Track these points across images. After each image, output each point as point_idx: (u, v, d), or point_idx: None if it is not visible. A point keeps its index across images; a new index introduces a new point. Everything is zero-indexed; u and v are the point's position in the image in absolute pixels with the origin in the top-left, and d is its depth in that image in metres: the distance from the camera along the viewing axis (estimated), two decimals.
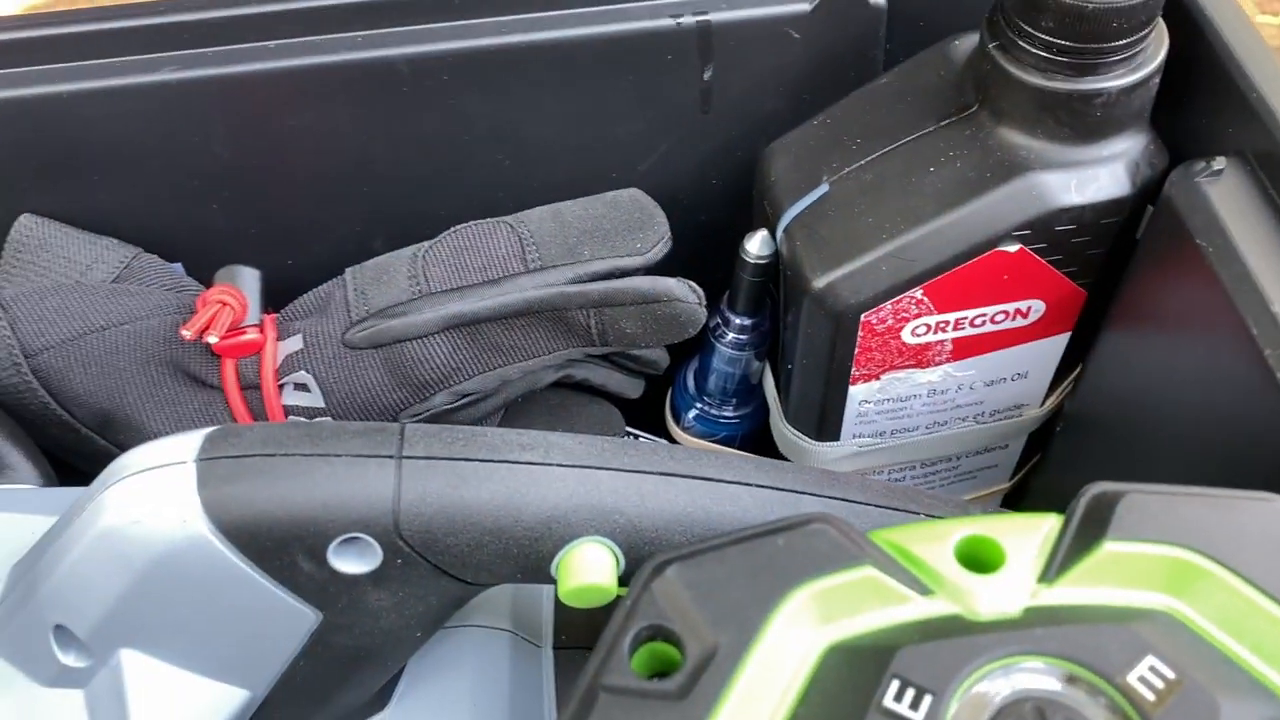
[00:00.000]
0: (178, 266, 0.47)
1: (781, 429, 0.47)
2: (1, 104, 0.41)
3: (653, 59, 0.43)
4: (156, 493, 0.30)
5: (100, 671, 0.33)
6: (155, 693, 0.33)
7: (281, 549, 0.30)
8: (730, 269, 0.46)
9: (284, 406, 0.43)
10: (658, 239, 0.43)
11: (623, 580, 0.31)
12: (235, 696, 0.34)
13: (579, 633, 0.42)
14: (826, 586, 0.23)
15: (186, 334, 0.41)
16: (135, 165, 0.44)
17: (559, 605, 0.42)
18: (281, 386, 0.43)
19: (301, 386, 0.43)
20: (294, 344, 0.43)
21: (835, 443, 0.46)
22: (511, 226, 0.43)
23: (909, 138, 0.40)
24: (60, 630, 0.33)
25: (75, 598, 0.32)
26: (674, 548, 0.30)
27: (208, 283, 0.46)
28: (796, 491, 0.32)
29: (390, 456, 0.30)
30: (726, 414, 0.51)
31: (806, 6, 0.42)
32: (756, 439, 0.52)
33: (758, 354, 0.48)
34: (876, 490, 0.33)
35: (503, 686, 0.38)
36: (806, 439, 0.46)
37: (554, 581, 0.32)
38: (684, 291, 0.42)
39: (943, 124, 0.40)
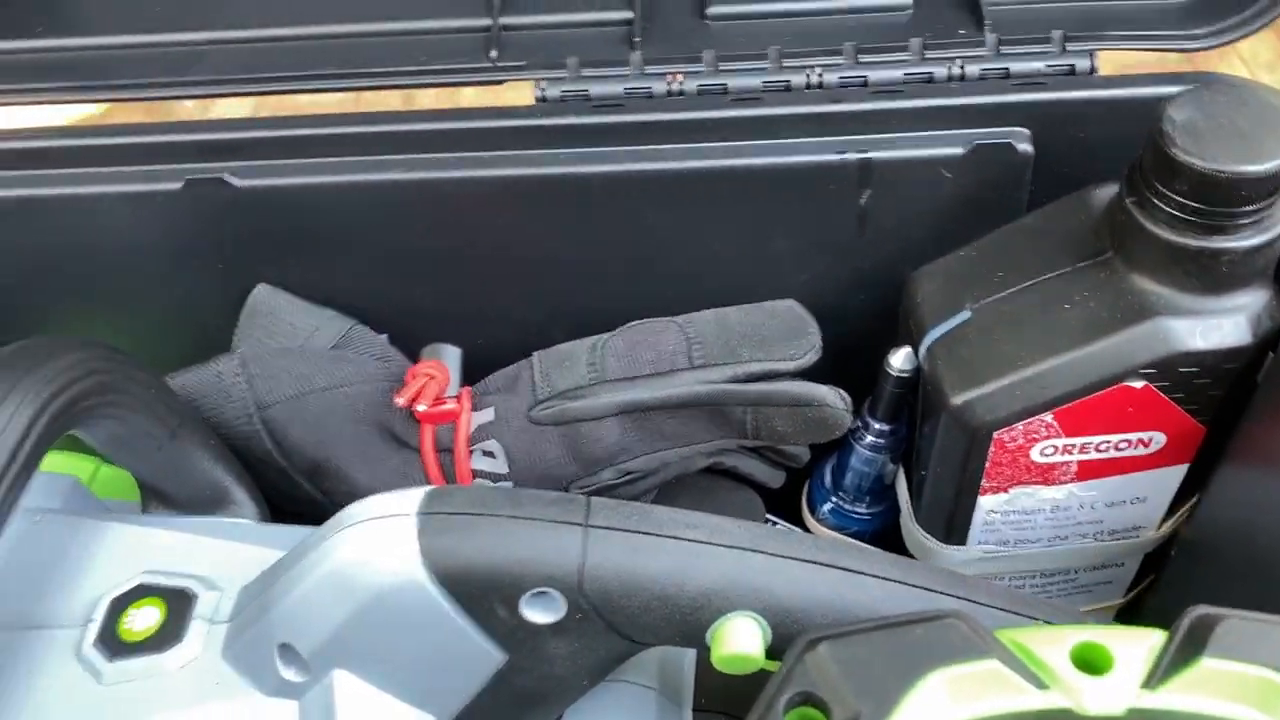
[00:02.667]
0: (384, 337, 0.53)
1: (911, 529, 0.51)
2: (251, 191, 0.49)
3: (817, 187, 0.48)
4: (382, 539, 0.36)
5: (315, 687, 0.39)
6: (360, 710, 0.38)
7: (483, 596, 0.35)
8: (870, 377, 0.50)
9: (472, 470, 0.49)
10: (810, 347, 0.48)
11: (769, 653, 0.36)
12: None
13: (715, 699, 0.46)
14: (957, 673, 0.27)
15: (400, 401, 0.47)
16: (357, 249, 0.51)
17: (699, 670, 0.46)
18: (471, 452, 0.49)
19: (489, 454, 0.49)
20: (486, 415, 0.49)
21: (962, 547, 0.50)
22: (680, 326, 0.49)
23: (1048, 275, 0.44)
24: (285, 648, 0.39)
25: (302, 622, 0.38)
26: (816, 627, 0.34)
27: (411, 353, 0.53)
28: (926, 589, 0.36)
29: (579, 524, 0.35)
30: (859, 510, 0.55)
31: (960, 150, 0.47)
32: (886, 536, 0.56)
33: (893, 457, 0.52)
34: (999, 594, 0.36)
35: None
36: (935, 541, 0.50)
37: (707, 647, 0.36)
38: (834, 398, 0.46)
39: (1079, 265, 0.44)
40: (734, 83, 0.48)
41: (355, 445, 0.49)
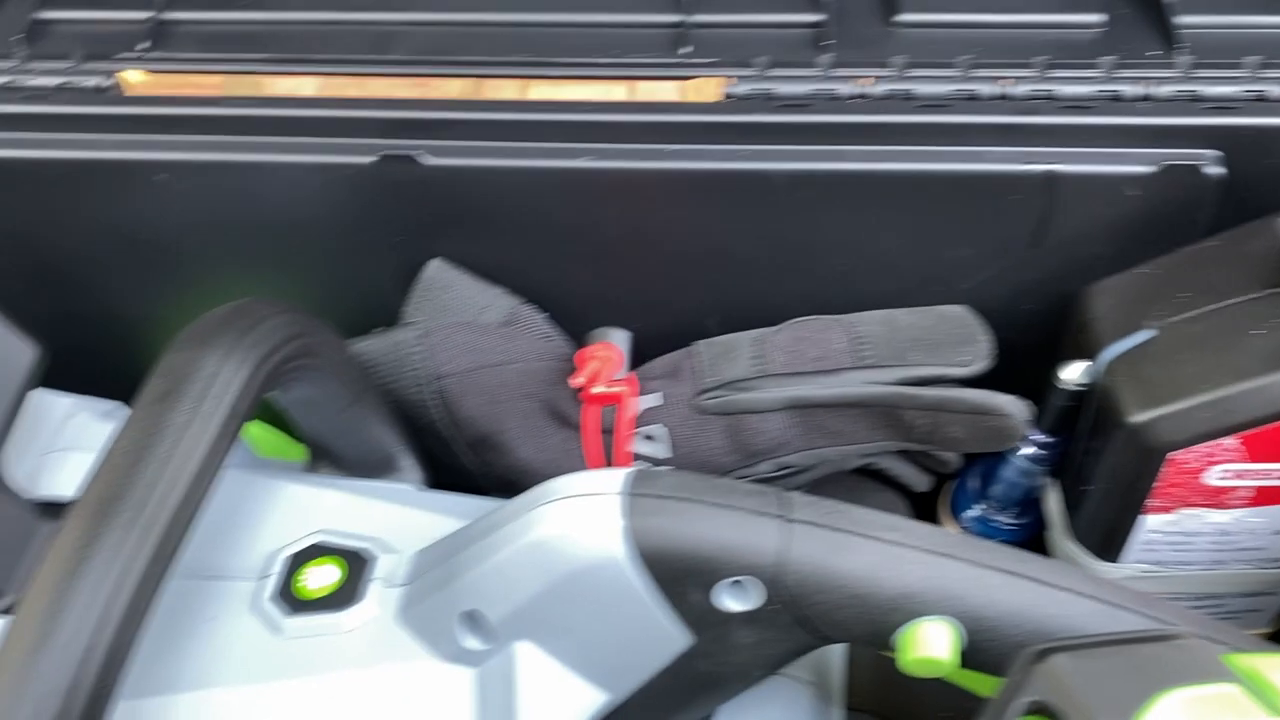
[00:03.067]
0: (545, 317, 0.54)
1: (1062, 543, 0.51)
2: (439, 170, 0.50)
3: (998, 197, 0.48)
4: (587, 516, 0.36)
5: (495, 657, 0.40)
6: (540, 683, 0.39)
7: (680, 579, 0.36)
8: (1026, 389, 0.50)
9: (633, 454, 0.50)
10: (981, 355, 0.48)
11: (960, 660, 0.36)
12: (599, 698, 0.40)
13: (866, 698, 0.46)
14: (1194, 695, 0.27)
15: (575, 382, 0.48)
16: (531, 230, 0.52)
17: (850, 668, 0.47)
18: (633, 435, 0.49)
19: (650, 438, 0.49)
20: (650, 400, 0.50)
21: (1115, 564, 0.50)
22: (846, 325, 0.49)
23: (1237, 299, 0.44)
24: (469, 616, 0.40)
25: (494, 591, 0.39)
26: (1007, 638, 0.35)
27: (569, 334, 0.54)
28: (1118, 606, 0.37)
29: (780, 517, 0.36)
30: (1005, 520, 0.55)
31: (1148, 169, 0.47)
32: (1027, 547, 0.56)
33: (1049, 470, 0.52)
34: (1192, 619, 0.36)
35: None
36: (1088, 555, 0.50)
37: (891, 649, 0.37)
38: (1016, 409, 0.46)
39: (1269, 291, 0.44)
40: (920, 89, 0.48)
41: (521, 420, 0.50)
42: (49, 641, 0.33)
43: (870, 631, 0.36)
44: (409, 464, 0.51)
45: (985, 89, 0.48)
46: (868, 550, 0.36)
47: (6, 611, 0.44)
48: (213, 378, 0.38)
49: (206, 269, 0.55)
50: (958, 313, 0.50)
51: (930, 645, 0.35)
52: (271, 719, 0.41)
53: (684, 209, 0.50)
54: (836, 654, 0.47)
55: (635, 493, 0.36)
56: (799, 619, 0.36)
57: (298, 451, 0.64)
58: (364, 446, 0.50)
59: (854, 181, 0.48)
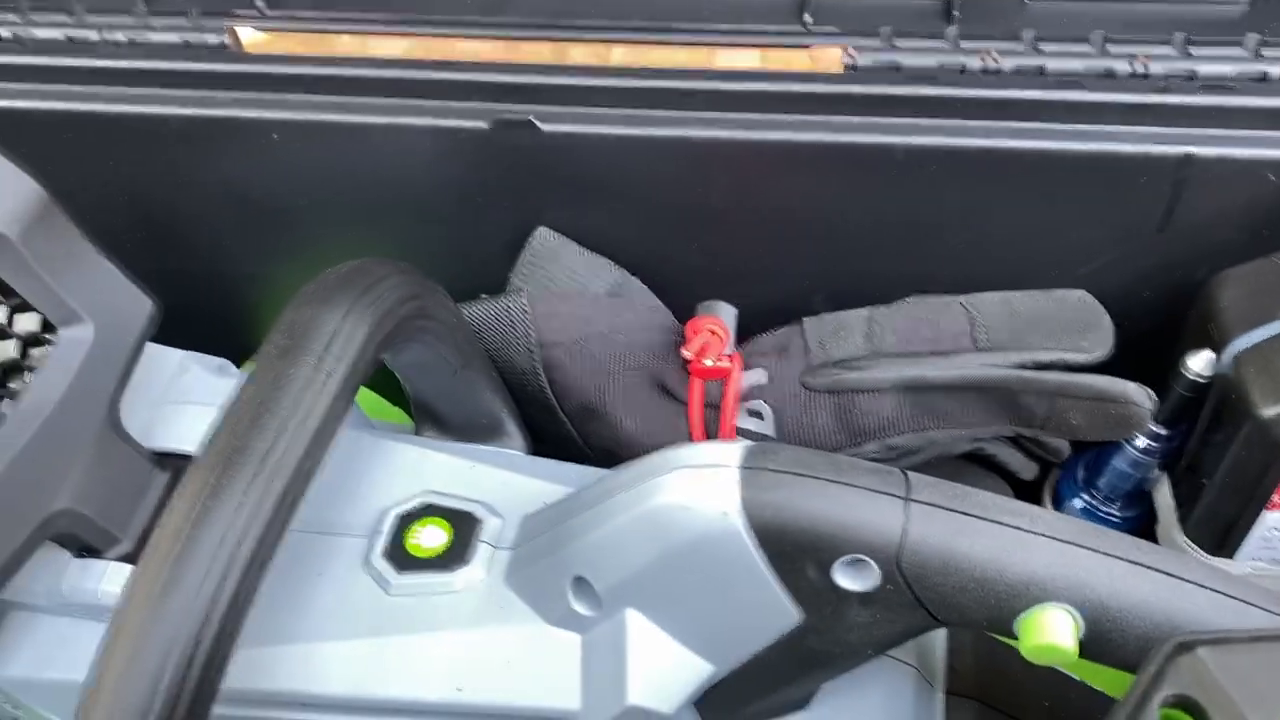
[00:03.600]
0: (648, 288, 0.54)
1: (1174, 536, 0.50)
2: (554, 136, 0.49)
3: (1128, 178, 0.47)
4: (704, 487, 0.36)
5: (603, 623, 0.40)
6: (648, 651, 0.39)
7: (797, 555, 0.36)
8: (1143, 377, 0.49)
9: (736, 428, 0.49)
10: (1103, 341, 0.47)
11: (1080, 649, 0.35)
12: (703, 670, 0.40)
13: (966, 683, 0.46)
14: None
15: (686, 354, 0.48)
16: (641, 200, 0.52)
17: (950, 653, 0.46)
18: (738, 410, 0.49)
19: (755, 414, 0.49)
20: (758, 376, 0.49)
21: (1229, 560, 0.48)
22: (964, 306, 0.48)
23: None
24: (579, 581, 0.40)
25: (605, 558, 0.39)
26: (1131, 629, 0.34)
27: (675, 306, 0.54)
28: (1247, 602, 0.35)
29: (901, 497, 0.35)
30: (1111, 512, 0.54)
31: None
32: None
33: (1162, 463, 0.51)
34: None
35: (906, 717, 0.43)
36: (1200, 551, 0.49)
37: (1011, 635, 0.36)
38: (1141, 397, 0.45)
39: None
40: (1052, 65, 0.46)
41: (627, 391, 0.50)
42: (178, 587, 0.34)
43: (990, 616, 0.36)
44: (514, 430, 0.51)
45: (1121, 66, 0.46)
46: (992, 534, 0.35)
47: (124, 558, 0.45)
48: (334, 335, 0.39)
49: (314, 230, 0.56)
50: (1078, 297, 0.49)
51: (1053, 633, 0.34)
52: (382, 673, 0.42)
53: (799, 181, 0.49)
54: (938, 638, 0.46)
55: (753, 466, 0.36)
56: (917, 601, 0.36)
57: (396, 415, 0.65)
58: (471, 411, 0.50)
59: (978, 158, 0.47)
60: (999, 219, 0.49)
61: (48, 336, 0.44)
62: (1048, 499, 0.56)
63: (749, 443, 0.37)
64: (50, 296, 0.43)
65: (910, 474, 0.36)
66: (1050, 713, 0.45)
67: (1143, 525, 0.54)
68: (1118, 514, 0.54)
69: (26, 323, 0.44)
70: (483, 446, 0.51)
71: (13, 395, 0.43)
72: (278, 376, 0.37)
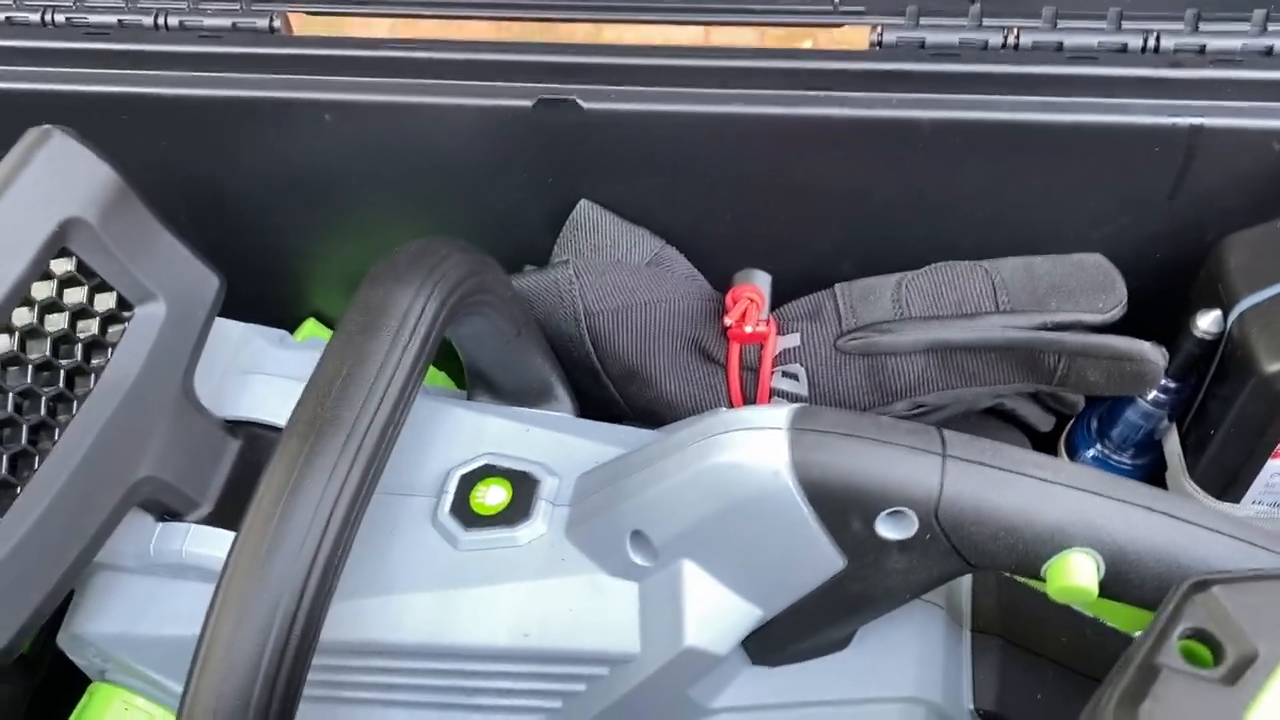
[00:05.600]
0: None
1: (1182, 483, 0.53)
2: (596, 114, 0.52)
3: (1140, 149, 0.49)
4: (756, 448, 0.39)
5: (659, 573, 0.43)
6: (701, 598, 0.42)
7: (842, 508, 0.39)
8: (1153, 335, 0.52)
9: (772, 389, 0.52)
10: (1117, 302, 0.50)
11: (1101, 589, 0.39)
12: (752, 614, 0.43)
13: (990, 622, 0.49)
14: None
15: (727, 321, 0.51)
16: (677, 174, 0.54)
17: (975, 594, 0.49)
18: (774, 373, 0.52)
19: (790, 375, 0.52)
20: (791, 340, 0.52)
21: (1234, 505, 0.52)
22: (986, 271, 0.51)
23: None
24: (637, 535, 0.43)
25: (662, 513, 0.42)
26: (1147, 570, 0.37)
27: (709, 274, 0.57)
28: (1254, 544, 0.39)
29: (938, 454, 0.38)
30: (1123, 460, 0.57)
31: None
32: None
33: (1171, 414, 0.54)
34: None
35: (937, 656, 0.46)
36: (1207, 496, 0.52)
37: (1038, 577, 0.39)
38: (1155, 355, 0.48)
39: None
40: (1070, 40, 0.49)
41: (668, 356, 0.53)
42: (280, 551, 0.37)
43: (1019, 561, 0.39)
44: (563, 394, 0.54)
45: (1134, 41, 0.49)
46: (1021, 486, 0.38)
47: (204, 521, 0.48)
48: (408, 311, 0.42)
49: (363, 207, 0.59)
50: (1095, 260, 0.52)
51: (1077, 575, 0.38)
52: (454, 622, 0.45)
53: (829, 155, 0.51)
54: (964, 581, 0.49)
55: (800, 428, 0.39)
56: (952, 548, 0.39)
57: (440, 379, 0.68)
58: (523, 377, 0.53)
59: (1000, 131, 0.49)
60: (1019, 188, 0.52)
61: (124, 314, 0.47)
62: (1062, 449, 0.60)
63: (797, 405, 0.40)
64: (126, 276, 0.46)
65: (945, 432, 0.39)
66: (1068, 647, 0.49)
67: (1153, 472, 0.57)
68: (1129, 462, 0.57)
69: (104, 302, 0.47)
70: (534, 410, 0.54)
71: (95, 371, 0.46)
72: (360, 351, 0.40)
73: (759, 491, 0.39)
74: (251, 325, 0.56)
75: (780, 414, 0.40)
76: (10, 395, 0.43)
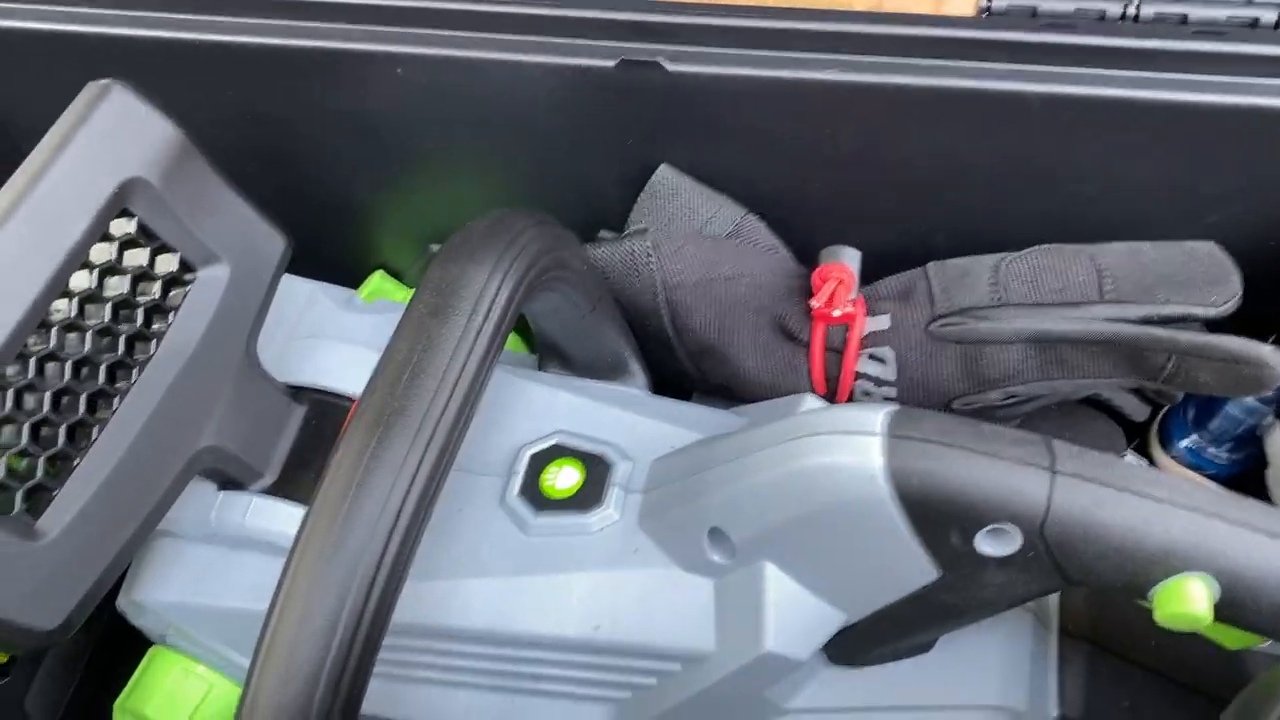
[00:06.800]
0: (767, 227, 0.54)
1: None
2: (680, 76, 0.49)
3: (1268, 131, 0.46)
4: (850, 453, 0.37)
5: (737, 572, 0.41)
6: (782, 601, 0.41)
7: (941, 522, 0.37)
8: (1267, 325, 0.48)
9: (857, 373, 0.50)
10: (1231, 295, 0.46)
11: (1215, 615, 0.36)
12: (836, 619, 0.41)
13: (1079, 626, 0.47)
14: None
15: (815, 304, 0.48)
16: (763, 141, 0.51)
17: (1063, 597, 0.47)
18: (859, 355, 0.50)
19: (877, 359, 0.49)
20: (881, 322, 0.49)
21: None
22: (1091, 257, 0.48)
23: None
24: (716, 532, 0.41)
25: (746, 512, 0.40)
26: (1264, 596, 0.35)
27: (792, 244, 0.54)
28: None
29: (1046, 468, 0.36)
30: (1220, 455, 0.54)
31: None
32: (1235, 483, 0.55)
33: (1277, 411, 0.51)
34: None
35: (1023, 662, 0.44)
36: None
37: (1146, 601, 0.37)
38: (1275, 360, 0.45)
39: None
40: (1195, 13, 0.45)
41: (749, 334, 0.51)
42: (346, 546, 0.35)
43: (1127, 583, 0.36)
44: (637, 369, 0.52)
45: (1267, 15, 0.45)
46: (1133, 505, 0.35)
47: (268, 492, 0.47)
48: (482, 292, 0.40)
49: (436, 163, 0.56)
50: (1207, 249, 0.48)
51: (1190, 602, 0.35)
52: (522, 609, 0.44)
53: (928, 127, 0.48)
54: None
55: (899, 434, 0.37)
56: (1055, 566, 0.37)
57: (512, 341, 0.66)
58: (597, 351, 0.51)
59: (1114, 107, 0.46)
60: (1131, 169, 0.48)
61: (187, 277, 0.45)
62: (1155, 438, 0.57)
63: (894, 407, 0.38)
64: (189, 238, 0.45)
65: (1054, 443, 0.37)
66: (1158, 655, 0.46)
67: (1249, 469, 0.54)
68: (1225, 456, 0.54)
69: (166, 264, 0.45)
70: (607, 385, 0.52)
71: (156, 337, 0.44)
72: (431, 335, 0.38)
73: (851, 498, 0.37)
74: (318, 284, 0.55)
75: (877, 417, 0.37)
76: (69, 363, 0.42)
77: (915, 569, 0.38)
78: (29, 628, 0.38)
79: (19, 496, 0.39)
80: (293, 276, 0.54)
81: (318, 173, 0.59)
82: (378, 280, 0.66)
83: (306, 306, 0.52)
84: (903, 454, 0.36)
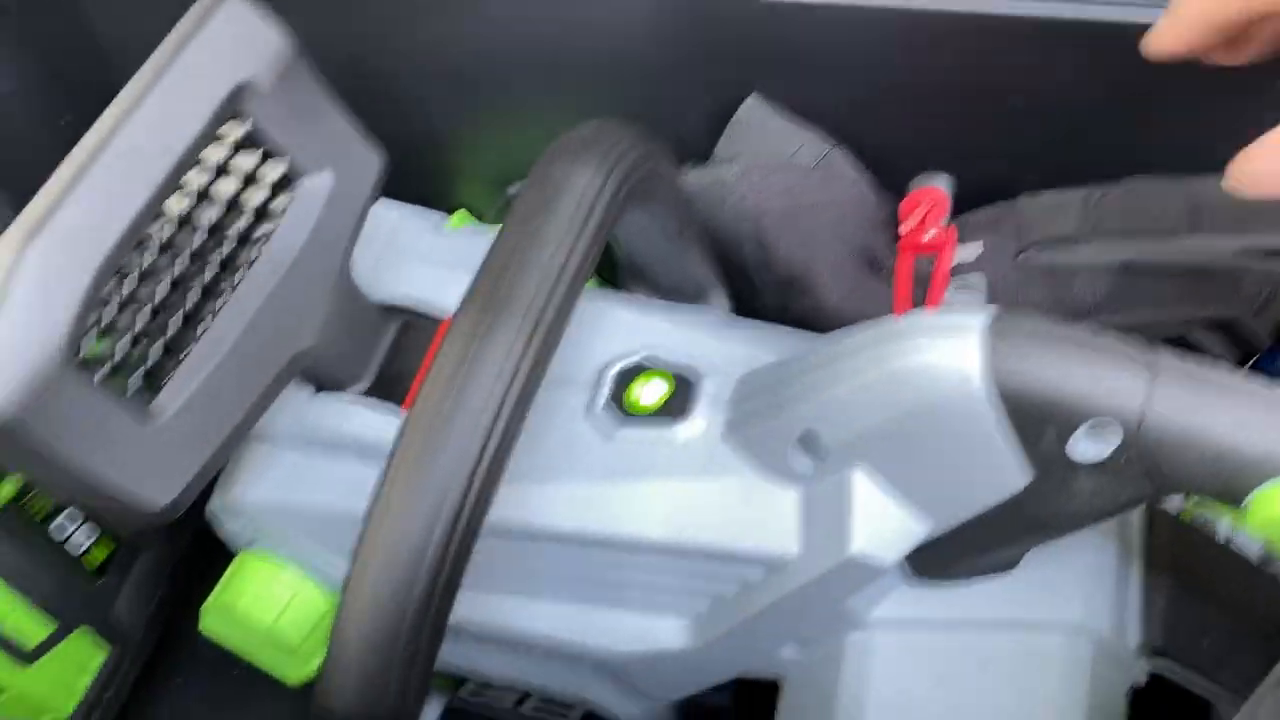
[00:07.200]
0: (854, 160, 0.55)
1: None
2: (774, 6, 0.50)
3: None
4: (949, 351, 0.37)
5: (826, 478, 0.42)
6: (870, 506, 0.41)
7: (1037, 420, 0.37)
8: None
9: (945, 303, 0.50)
10: None
11: None
12: (922, 528, 0.41)
13: (1163, 560, 0.47)
14: None
15: (904, 229, 0.49)
16: (854, 74, 0.52)
17: (1147, 529, 0.47)
18: (948, 286, 0.50)
19: (964, 288, 0.50)
20: (969, 252, 0.50)
21: None
22: (1185, 188, 0.48)
23: None
24: (806, 438, 0.42)
25: (839, 415, 0.40)
26: None
27: (880, 176, 0.54)
28: None
29: (1147, 367, 0.36)
30: None
31: None
32: None
33: None
34: None
35: (1107, 587, 0.44)
36: None
37: (1239, 505, 0.37)
38: None
39: None
40: None
41: (833, 264, 0.51)
42: (455, 426, 0.36)
43: (1223, 487, 0.36)
44: (720, 296, 0.52)
45: None
46: (1235, 407, 0.35)
47: (366, 394, 0.48)
48: (585, 191, 0.40)
49: (517, 96, 0.57)
50: None
51: None
52: (606, 513, 0.44)
53: (1029, 58, 0.48)
54: (1136, 515, 0.47)
55: (999, 333, 0.37)
56: (1149, 470, 0.37)
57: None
58: (683, 275, 0.51)
59: None
60: (1230, 100, 0.48)
61: (291, 184, 0.46)
62: None
63: (993, 308, 0.38)
64: (296, 145, 0.46)
65: (1156, 346, 0.37)
66: (1239, 596, 0.46)
67: None
68: None
69: (273, 171, 0.46)
70: (690, 308, 0.52)
71: (262, 239, 0.45)
72: (538, 228, 0.39)
73: (950, 397, 0.37)
74: (407, 206, 0.56)
75: (977, 317, 0.38)
76: (183, 254, 0.43)
77: (1007, 474, 0.38)
78: (141, 504, 0.39)
79: (136, 379, 0.41)
80: (383, 199, 0.55)
81: (400, 108, 0.60)
82: (459, 218, 0.67)
83: (395, 229, 0.54)
84: (1003, 352, 0.37)
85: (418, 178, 0.65)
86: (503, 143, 0.62)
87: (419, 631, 0.36)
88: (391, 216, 0.54)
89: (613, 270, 0.56)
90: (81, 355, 0.38)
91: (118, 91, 0.41)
